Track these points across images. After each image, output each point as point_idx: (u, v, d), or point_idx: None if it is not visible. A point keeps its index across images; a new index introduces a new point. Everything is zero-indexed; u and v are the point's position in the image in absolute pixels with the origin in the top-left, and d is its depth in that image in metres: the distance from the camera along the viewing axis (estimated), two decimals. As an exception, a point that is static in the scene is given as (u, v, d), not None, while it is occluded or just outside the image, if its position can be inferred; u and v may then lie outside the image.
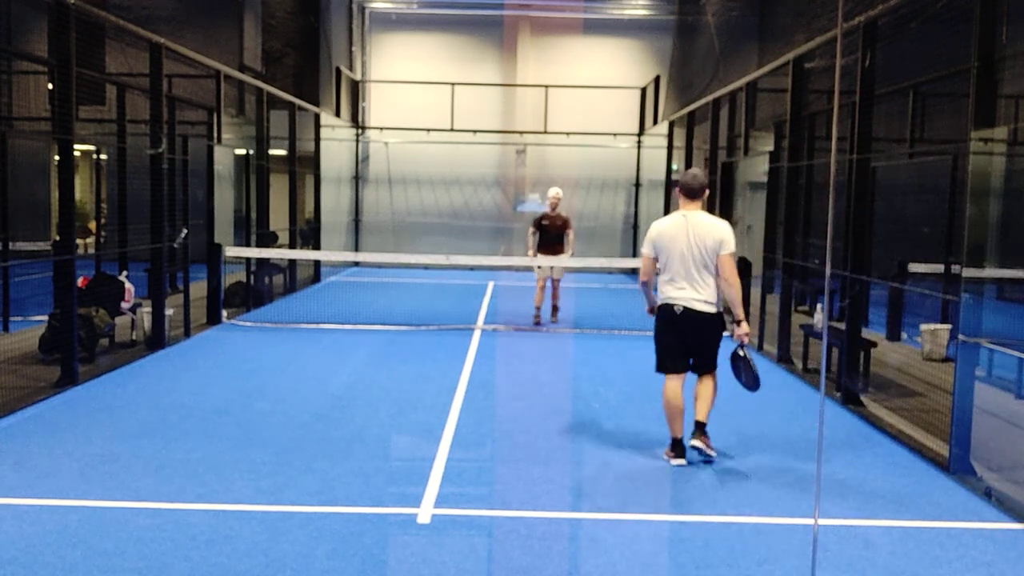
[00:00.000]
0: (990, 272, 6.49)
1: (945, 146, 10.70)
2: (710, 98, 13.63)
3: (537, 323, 12.02)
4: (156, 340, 9.70)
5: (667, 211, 17.23)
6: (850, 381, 7.80)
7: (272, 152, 14.83)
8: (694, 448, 6.02)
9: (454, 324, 11.98)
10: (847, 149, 7.96)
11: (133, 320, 9.95)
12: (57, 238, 8.68)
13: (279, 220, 15.57)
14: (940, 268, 10.45)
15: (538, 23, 21.97)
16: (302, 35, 21.45)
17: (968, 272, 5.86)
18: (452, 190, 21.95)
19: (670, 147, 17.86)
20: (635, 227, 21.78)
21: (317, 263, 17.33)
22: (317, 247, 17.50)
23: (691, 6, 21.52)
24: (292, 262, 15.40)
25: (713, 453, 6.01)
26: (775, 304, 10.15)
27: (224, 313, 11.84)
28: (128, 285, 9.86)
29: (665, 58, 21.97)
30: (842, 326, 7.97)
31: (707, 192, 6.18)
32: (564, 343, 10.98)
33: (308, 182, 18.26)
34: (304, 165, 16.78)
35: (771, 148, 11.56)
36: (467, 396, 7.79)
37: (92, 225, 17.35)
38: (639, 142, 21.59)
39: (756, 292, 10.93)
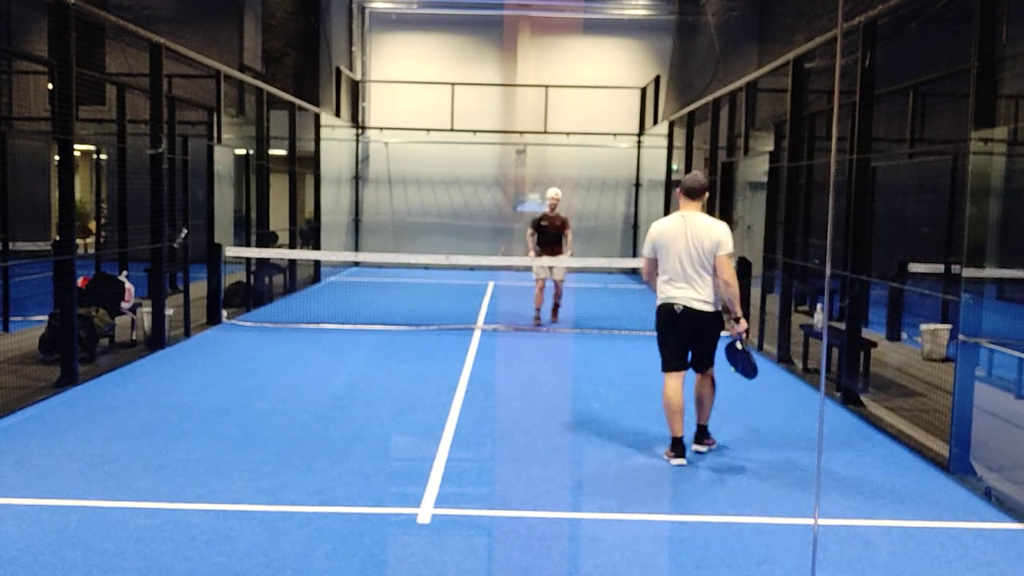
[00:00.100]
0: (990, 272, 6.49)
1: (945, 146, 10.70)
2: (710, 98, 13.64)
3: (537, 324, 12.02)
4: (156, 340, 9.70)
5: (667, 211, 17.23)
6: (850, 381, 7.80)
7: (272, 152, 14.83)
8: (697, 452, 6.22)
9: (454, 324, 11.98)
10: (847, 149, 7.96)
11: (133, 320, 9.95)
12: (57, 238, 8.68)
13: (279, 220, 15.58)
14: (940, 268, 10.45)
15: (538, 23, 21.97)
16: (302, 35, 21.46)
17: (968, 272, 5.86)
18: (452, 190, 21.95)
19: (670, 147, 17.86)
20: (635, 227, 21.78)
21: (317, 263, 17.33)
22: (317, 247, 17.50)
23: (691, 6, 21.52)
24: (292, 262, 15.40)
25: (714, 443, 6.30)
26: (775, 304, 10.15)
27: (224, 313, 11.84)
28: (128, 285, 9.87)
29: (665, 58, 21.97)
30: (842, 326, 7.97)
31: (707, 194, 6.28)
32: (564, 343, 10.98)
33: (308, 182, 18.26)
34: (304, 165, 16.78)
35: (771, 148, 11.56)
36: (467, 396, 7.79)
37: (92, 225, 17.35)
38: (639, 142, 21.59)
39: (756, 292, 10.93)
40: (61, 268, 7.90)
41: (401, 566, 4.24)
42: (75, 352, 7.87)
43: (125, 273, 10.17)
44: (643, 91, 21.38)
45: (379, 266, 20.60)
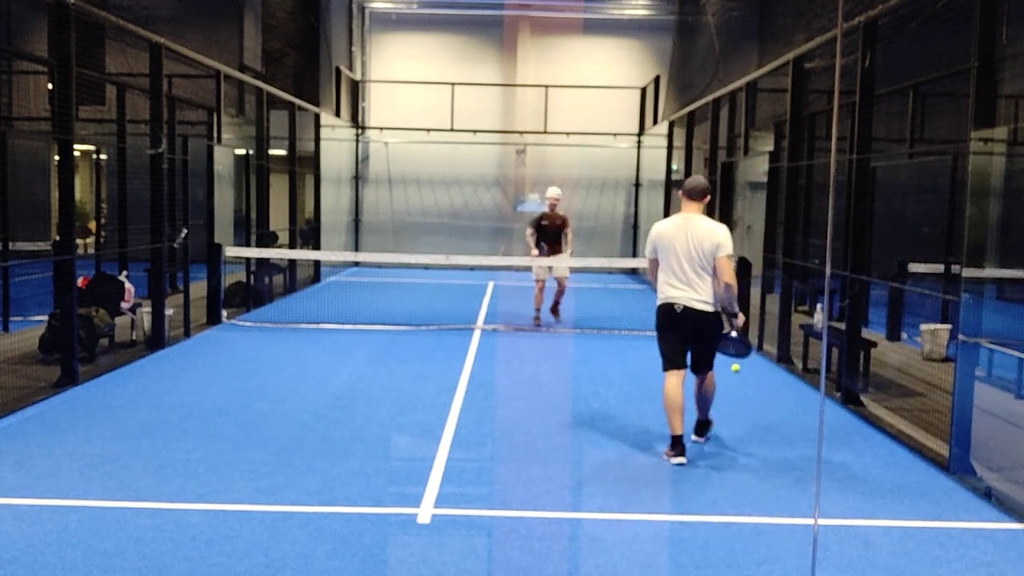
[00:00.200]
0: (990, 272, 6.49)
1: (945, 146, 10.70)
2: (710, 98, 13.64)
3: (537, 324, 12.01)
4: (156, 340, 9.70)
5: (667, 211, 17.24)
6: (850, 381, 7.80)
7: (272, 152, 14.83)
8: (695, 443, 6.38)
9: (454, 324, 11.98)
10: (847, 149, 7.96)
11: (133, 320, 9.95)
12: (57, 238, 8.68)
13: (279, 220, 15.57)
14: (940, 268, 10.45)
15: (538, 23, 21.97)
16: (302, 35, 21.46)
17: (968, 272, 5.86)
18: (452, 190, 21.95)
19: (670, 147, 17.87)
20: (635, 227, 21.78)
21: (317, 263, 17.33)
22: (317, 247, 17.49)
23: (691, 6, 21.52)
24: (292, 262, 15.40)
25: (711, 423, 6.54)
26: (775, 304, 10.15)
27: (224, 313, 11.84)
28: (128, 285, 9.86)
29: (665, 58, 21.97)
30: (842, 326, 7.97)
31: (708, 197, 6.33)
32: (564, 343, 10.98)
33: (308, 182, 18.26)
34: (304, 165, 16.78)
35: (771, 148, 11.56)
36: (467, 396, 7.79)
37: (92, 225, 17.35)
38: (639, 142, 21.59)
39: (756, 292, 10.94)
40: (61, 268, 7.90)
41: (401, 566, 4.24)
42: (75, 352, 7.87)
43: (125, 273, 10.17)
44: (643, 91, 21.38)
45: (379, 266, 20.60)
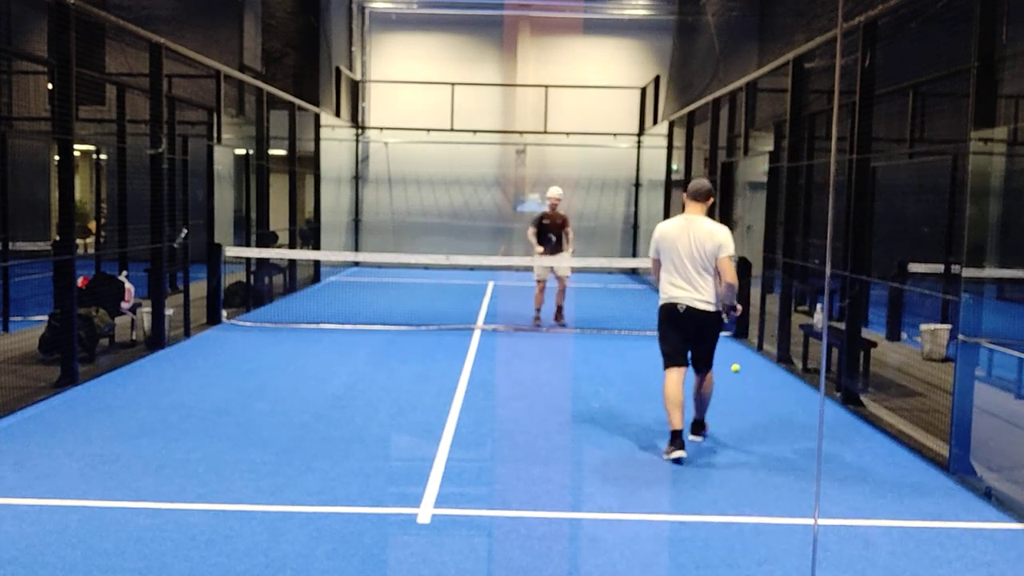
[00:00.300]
0: (990, 272, 6.49)
1: (945, 146, 10.70)
2: (710, 98, 13.64)
3: (537, 324, 12.00)
4: (156, 340, 9.70)
5: (667, 211, 17.25)
6: (850, 381, 7.80)
7: (272, 152, 14.83)
8: (693, 442, 6.43)
9: (454, 324, 11.98)
10: (847, 149, 7.96)
11: (133, 320, 9.95)
12: (57, 238, 8.68)
13: (279, 220, 15.57)
14: (940, 268, 10.45)
15: (538, 23, 21.97)
16: (302, 35, 21.45)
17: (968, 272, 5.86)
18: (452, 190, 21.95)
19: (670, 147, 17.87)
20: (635, 227, 21.78)
21: (317, 263, 17.33)
22: (317, 247, 17.49)
23: (691, 6, 21.52)
24: (292, 262, 15.39)
25: (707, 427, 6.62)
26: (775, 304, 10.15)
27: (224, 313, 11.84)
28: (128, 285, 9.86)
29: (665, 58, 21.97)
30: (842, 326, 7.97)
31: (712, 199, 6.46)
32: (564, 343, 10.98)
33: (308, 182, 18.26)
34: (304, 165, 16.78)
35: (771, 148, 11.56)
36: (467, 396, 7.79)
37: (92, 225, 17.35)
38: (639, 142, 21.59)
39: (756, 292, 10.94)
40: (61, 268, 7.90)
41: (401, 566, 4.24)
42: (75, 352, 7.87)
43: (125, 273, 10.17)
44: (643, 91, 21.38)
45: (379, 266, 20.60)
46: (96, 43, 10.36)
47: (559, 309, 12.10)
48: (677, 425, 6.06)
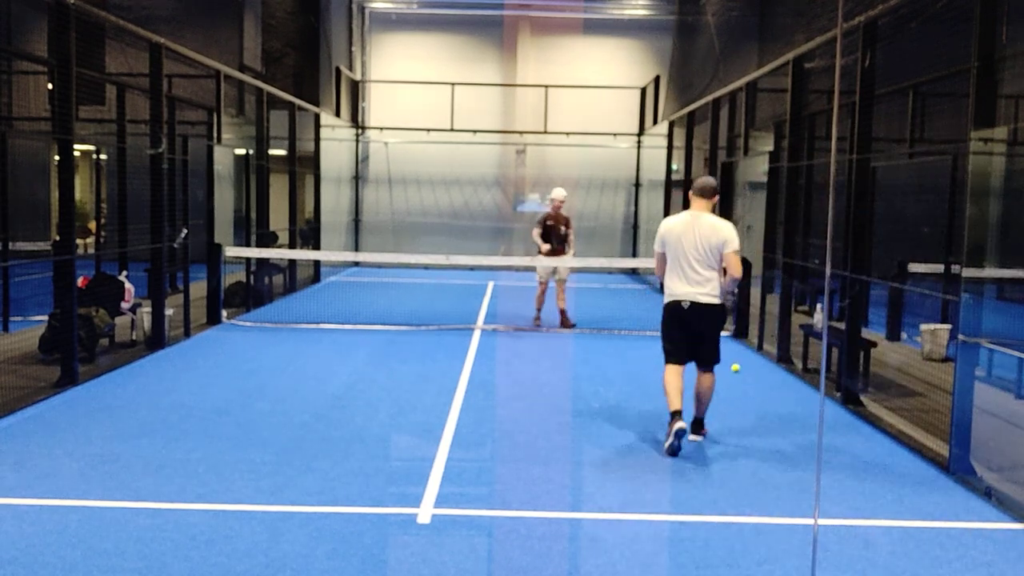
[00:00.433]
0: (990, 272, 6.49)
1: (945, 146, 10.70)
2: (710, 98, 13.64)
3: (537, 324, 11.98)
4: (156, 340, 9.70)
5: (667, 211, 17.24)
6: (850, 381, 7.80)
7: (272, 152, 14.83)
8: (692, 441, 6.46)
9: (454, 324, 11.98)
10: (847, 149, 7.96)
11: (133, 320, 9.95)
12: (57, 238, 8.68)
13: (279, 220, 15.57)
14: (940, 268, 10.45)
15: (538, 23, 21.97)
16: (302, 35, 21.45)
17: (968, 272, 5.86)
18: (452, 190, 21.95)
19: (670, 147, 17.86)
20: (635, 227, 21.78)
21: (317, 263, 17.33)
22: (317, 247, 17.49)
23: (691, 6, 21.52)
24: (292, 262, 15.39)
25: (706, 431, 6.63)
26: (775, 304, 10.15)
27: (224, 313, 11.84)
28: (128, 285, 9.86)
29: (665, 58, 21.97)
30: (842, 326, 7.97)
31: (717, 196, 6.65)
32: (564, 343, 10.98)
33: (308, 182, 18.26)
34: (304, 165, 16.78)
35: (771, 148, 11.56)
36: (467, 396, 7.79)
37: (92, 225, 17.35)
38: (639, 142, 21.59)
39: (756, 292, 10.93)
40: (61, 268, 7.90)
41: (401, 566, 4.24)
42: (75, 352, 7.87)
43: (125, 273, 10.17)
44: (643, 91, 21.38)
45: (379, 266, 20.60)
46: (96, 43, 10.36)
47: (563, 314, 11.92)
48: (676, 406, 6.21)
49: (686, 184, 13.56)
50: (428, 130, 21.02)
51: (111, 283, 9.72)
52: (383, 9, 22.20)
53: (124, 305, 9.71)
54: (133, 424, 6.63)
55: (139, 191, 10.11)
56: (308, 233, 17.73)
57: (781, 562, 4.40)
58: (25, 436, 6.24)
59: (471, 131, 20.94)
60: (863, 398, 7.80)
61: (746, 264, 10.93)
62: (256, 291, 13.42)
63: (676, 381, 6.32)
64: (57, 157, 8.84)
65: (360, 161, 21.91)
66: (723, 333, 6.57)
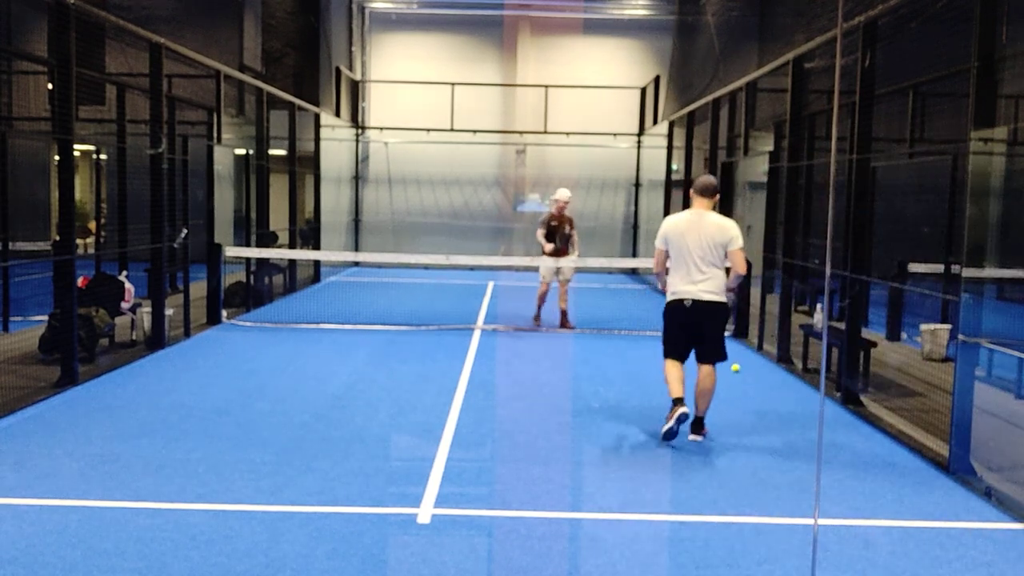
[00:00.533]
0: (990, 272, 6.49)
1: (945, 146, 10.70)
2: (710, 98, 13.64)
3: (537, 324, 11.97)
4: (156, 340, 9.70)
5: (667, 211, 17.23)
6: (850, 381, 7.80)
7: (272, 152, 14.83)
8: (693, 440, 6.48)
9: (454, 324, 11.98)
10: (847, 149, 7.96)
11: (133, 320, 9.95)
12: (57, 238, 8.68)
13: (279, 220, 15.57)
14: (940, 268, 10.45)
15: (538, 23, 21.97)
16: (302, 35, 21.45)
17: (968, 272, 5.86)
18: (452, 190, 21.95)
19: (670, 147, 17.86)
20: (635, 227, 21.78)
21: (317, 263, 17.32)
22: (317, 247, 17.49)
23: (691, 6, 21.52)
24: (292, 262, 15.39)
25: (706, 431, 6.60)
26: (775, 304, 10.15)
27: (224, 313, 11.84)
28: (128, 285, 9.86)
29: (665, 58, 21.97)
30: (842, 326, 7.97)
31: (719, 195, 6.74)
32: (564, 343, 10.98)
33: (308, 182, 18.26)
34: (304, 165, 16.78)
35: (771, 148, 11.56)
36: (467, 396, 7.79)
37: (92, 225, 17.35)
38: (639, 142, 21.59)
39: (756, 292, 10.93)
40: (61, 268, 7.90)
41: (401, 566, 4.24)
42: (75, 352, 7.87)
43: (125, 273, 10.17)
44: (643, 91, 21.38)
45: (379, 266, 20.60)
46: (96, 43, 10.36)
47: (564, 314, 11.91)
48: (678, 394, 6.31)
49: (686, 184, 13.55)
50: (428, 130, 21.02)
51: (111, 283, 9.72)
52: (383, 9, 22.21)
53: (124, 305, 9.71)
54: (133, 424, 6.63)
55: (139, 191, 10.11)
56: (308, 233, 17.73)
57: (781, 562, 4.40)
58: (25, 436, 6.24)
59: (471, 131, 20.94)
60: (863, 398, 7.80)
61: (749, 262, 10.95)
62: (256, 291, 13.42)
63: (676, 371, 6.45)
64: (57, 157, 8.84)
65: (360, 161, 21.92)
66: (725, 332, 6.60)
